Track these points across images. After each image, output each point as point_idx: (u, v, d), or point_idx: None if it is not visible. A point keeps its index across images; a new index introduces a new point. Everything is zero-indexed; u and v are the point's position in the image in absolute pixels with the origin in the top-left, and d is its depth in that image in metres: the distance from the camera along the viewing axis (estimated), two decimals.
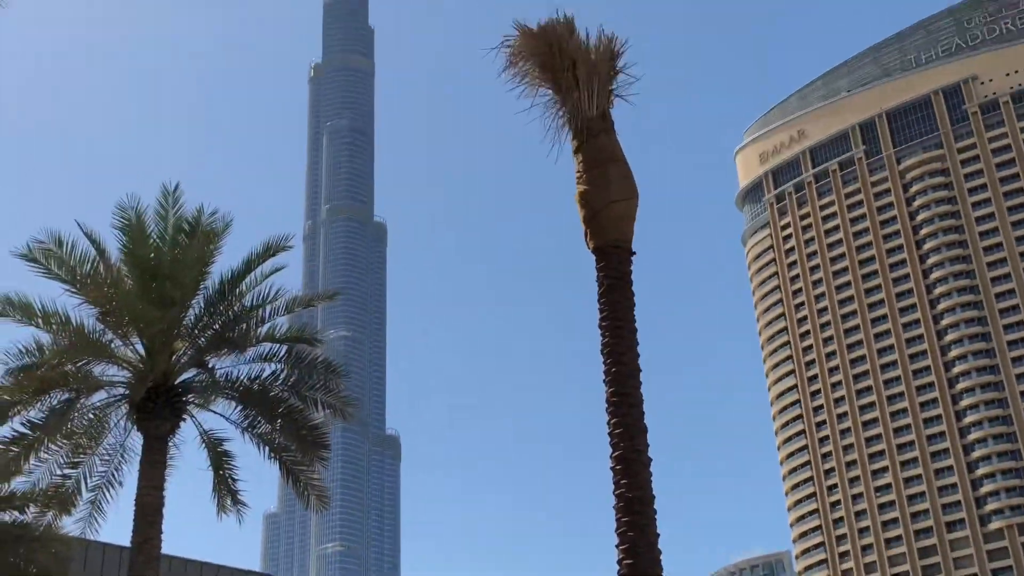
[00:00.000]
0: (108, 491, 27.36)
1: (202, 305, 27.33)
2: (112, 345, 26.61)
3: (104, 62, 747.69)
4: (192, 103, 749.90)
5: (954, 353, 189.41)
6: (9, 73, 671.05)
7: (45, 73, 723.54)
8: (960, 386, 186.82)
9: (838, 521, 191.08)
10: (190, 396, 27.09)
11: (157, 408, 26.16)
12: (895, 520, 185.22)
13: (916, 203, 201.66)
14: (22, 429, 26.13)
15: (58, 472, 26.85)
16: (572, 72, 17.93)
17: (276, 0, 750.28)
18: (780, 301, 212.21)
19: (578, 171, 18.09)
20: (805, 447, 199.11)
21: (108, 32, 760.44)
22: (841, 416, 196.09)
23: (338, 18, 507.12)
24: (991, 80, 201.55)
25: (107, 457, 27.26)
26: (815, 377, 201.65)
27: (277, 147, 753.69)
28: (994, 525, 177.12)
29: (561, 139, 18.32)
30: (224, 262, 27.33)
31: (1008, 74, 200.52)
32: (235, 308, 27.50)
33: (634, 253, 17.93)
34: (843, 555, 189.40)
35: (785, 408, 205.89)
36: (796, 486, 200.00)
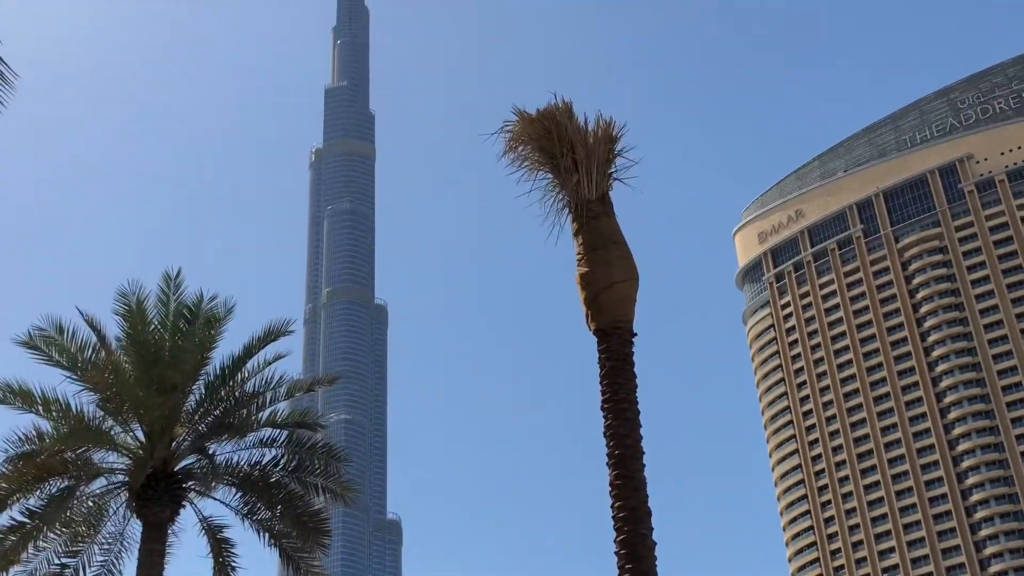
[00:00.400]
0: None
1: (203, 391, 27.32)
2: (112, 432, 26.54)
3: (105, 144, 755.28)
4: (194, 187, 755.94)
5: (958, 431, 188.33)
6: (10, 156, 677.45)
7: (46, 155, 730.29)
8: (965, 464, 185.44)
9: None
10: (190, 483, 26.95)
11: (157, 495, 26.00)
12: None
13: (915, 281, 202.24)
14: (20, 518, 25.94)
15: (56, 561, 26.54)
16: (571, 156, 18.12)
17: (278, 85, 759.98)
18: (782, 380, 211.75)
19: (578, 253, 18.18)
20: (811, 527, 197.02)
21: (110, 113, 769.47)
22: (846, 496, 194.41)
23: (339, 103, 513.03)
24: (986, 159, 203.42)
25: (106, 545, 27.00)
26: (819, 457, 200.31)
27: (278, 231, 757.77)
28: None
29: (561, 221, 18.45)
30: (226, 347, 27.38)
31: (1003, 153, 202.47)
32: (236, 394, 27.48)
33: (635, 334, 17.95)
34: None
35: (789, 488, 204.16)
36: (802, 568, 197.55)
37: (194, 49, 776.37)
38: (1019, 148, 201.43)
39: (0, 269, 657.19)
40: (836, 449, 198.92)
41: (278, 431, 27.51)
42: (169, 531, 26.48)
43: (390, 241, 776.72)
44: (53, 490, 26.12)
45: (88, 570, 26.80)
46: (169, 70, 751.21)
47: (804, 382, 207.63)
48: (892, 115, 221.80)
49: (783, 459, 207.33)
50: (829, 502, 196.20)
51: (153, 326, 27.05)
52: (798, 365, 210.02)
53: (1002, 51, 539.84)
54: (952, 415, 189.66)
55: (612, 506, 16.85)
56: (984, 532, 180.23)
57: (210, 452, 27.11)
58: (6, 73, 12.88)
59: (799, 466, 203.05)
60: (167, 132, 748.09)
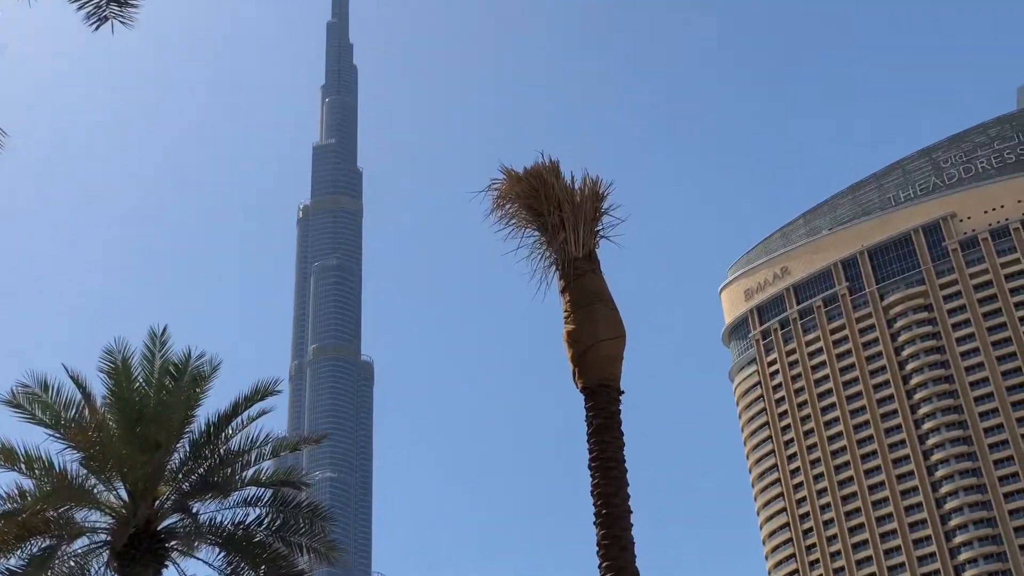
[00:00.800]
0: None
1: (187, 449, 27.16)
2: (95, 490, 26.32)
3: (92, 204, 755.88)
4: (182, 243, 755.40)
5: (945, 489, 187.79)
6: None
7: (33, 215, 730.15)
8: (953, 522, 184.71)
9: None
10: (173, 542, 26.68)
11: (139, 555, 25.71)
12: None
13: (901, 338, 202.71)
14: None
15: None
16: (558, 213, 18.19)
17: (267, 142, 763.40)
18: (769, 438, 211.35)
19: (565, 310, 18.19)
20: None
21: (98, 173, 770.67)
22: (834, 555, 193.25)
23: (327, 160, 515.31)
24: (969, 217, 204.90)
25: None
26: (807, 515, 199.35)
27: (266, 287, 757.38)
28: None
29: (548, 279, 18.48)
30: (212, 404, 27.30)
31: (986, 211, 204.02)
32: (221, 452, 27.35)
33: (623, 392, 17.92)
34: None
35: (778, 547, 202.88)
36: None
37: (183, 106, 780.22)
38: (1001, 207, 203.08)
39: None
40: (824, 507, 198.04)
41: (263, 490, 27.36)
42: None
43: (377, 297, 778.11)
44: (35, 549, 25.82)
45: None
46: (158, 129, 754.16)
47: (791, 440, 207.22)
48: (875, 174, 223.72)
49: (771, 517, 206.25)
50: (817, 561, 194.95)
51: (138, 384, 26.94)
52: (785, 423, 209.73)
53: (983, 111, 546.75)
54: (939, 473, 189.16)
55: (600, 566, 16.71)
56: None
57: (194, 511, 26.87)
58: None
59: (787, 524, 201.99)
60: (155, 187, 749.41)
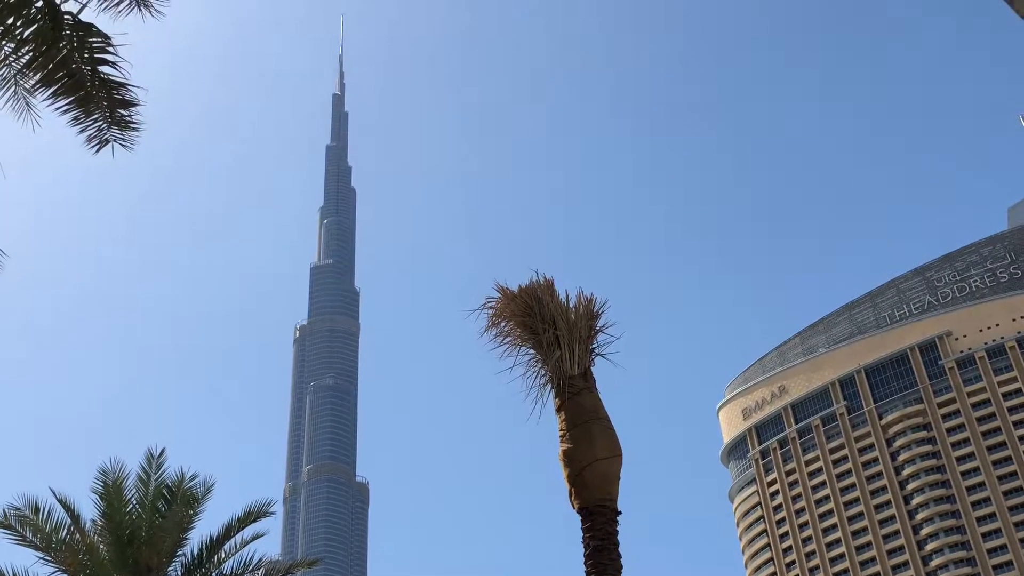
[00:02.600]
0: None
1: (179, 572, 26.76)
2: None
3: (88, 324, 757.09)
4: (177, 362, 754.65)
5: None
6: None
7: (28, 330, 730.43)
8: None
9: None
10: None
11: None
12: None
13: (901, 457, 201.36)
14: None
15: None
16: (553, 331, 18.23)
17: (265, 262, 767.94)
18: (771, 560, 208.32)
19: (561, 429, 18.10)
20: None
21: (93, 293, 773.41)
22: None
23: (325, 280, 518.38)
24: (965, 336, 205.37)
25: None
26: None
27: (261, 407, 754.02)
28: None
29: (544, 397, 18.43)
30: (205, 525, 27.02)
31: (981, 330, 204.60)
32: (213, 575, 26.91)
33: (620, 512, 17.73)
34: None
35: None
36: None
37: (181, 225, 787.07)
38: (997, 325, 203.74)
39: None
40: None
41: None
42: None
43: (373, 417, 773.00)
44: None
45: None
46: (154, 245, 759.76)
47: (793, 562, 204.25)
48: (870, 293, 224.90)
49: None
50: None
51: (131, 506, 26.72)
52: (786, 544, 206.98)
53: (976, 231, 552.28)
54: None
55: None
56: None
57: None
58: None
59: None
60: (152, 305, 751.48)
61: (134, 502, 26.80)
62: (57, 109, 13.07)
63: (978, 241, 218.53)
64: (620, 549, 17.58)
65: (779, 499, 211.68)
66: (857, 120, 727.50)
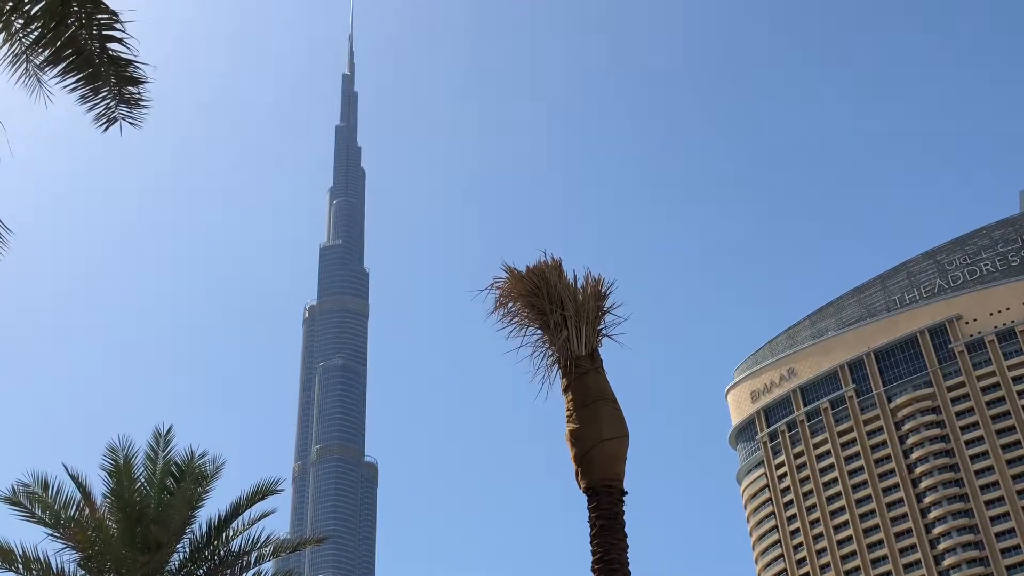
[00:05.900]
0: None
1: (188, 550, 26.83)
2: None
3: (99, 303, 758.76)
4: (187, 343, 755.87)
5: None
6: (7, 310, 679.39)
7: (40, 311, 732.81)
8: None
9: None
10: None
11: None
12: None
13: (909, 441, 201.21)
14: None
15: None
16: (560, 312, 18.20)
17: (275, 243, 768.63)
18: (778, 542, 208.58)
19: (568, 409, 18.09)
20: None
21: (103, 272, 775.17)
22: None
23: (334, 261, 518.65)
24: (975, 319, 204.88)
25: None
26: None
27: (271, 387, 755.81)
28: None
29: (551, 377, 18.41)
30: (214, 504, 27.06)
31: (991, 314, 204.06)
32: (221, 553, 27.03)
33: (626, 493, 17.73)
34: None
35: None
36: None
37: (191, 205, 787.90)
38: (1007, 309, 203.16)
39: None
40: None
41: None
42: None
43: (382, 397, 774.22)
44: None
45: None
46: (165, 224, 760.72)
47: (800, 544, 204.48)
48: (880, 276, 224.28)
49: None
50: None
51: (139, 483, 26.73)
52: (794, 526, 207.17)
53: (987, 214, 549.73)
54: None
55: None
56: None
57: None
58: (3, 233, 13.09)
59: None
60: (162, 285, 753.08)
61: (142, 479, 26.87)
62: (66, 87, 13.02)
63: (989, 224, 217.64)
64: (626, 529, 17.60)
65: (787, 482, 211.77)
66: (869, 103, 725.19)
